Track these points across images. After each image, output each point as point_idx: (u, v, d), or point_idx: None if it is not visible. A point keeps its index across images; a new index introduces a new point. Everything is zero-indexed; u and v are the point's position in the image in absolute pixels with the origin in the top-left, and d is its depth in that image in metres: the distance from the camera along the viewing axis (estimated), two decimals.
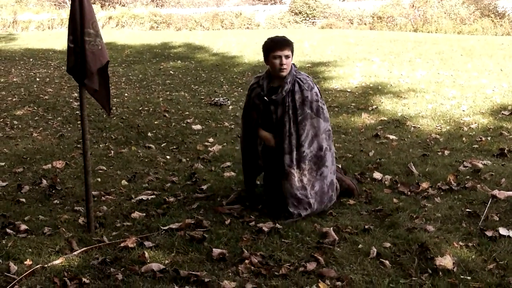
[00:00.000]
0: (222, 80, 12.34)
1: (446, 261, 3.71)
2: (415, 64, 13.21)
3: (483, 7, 23.69)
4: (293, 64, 4.82)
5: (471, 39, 17.46)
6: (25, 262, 3.90)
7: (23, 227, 4.52)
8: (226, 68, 13.95)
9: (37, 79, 12.80)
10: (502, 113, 8.32)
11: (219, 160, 6.48)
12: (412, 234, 4.24)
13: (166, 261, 3.91)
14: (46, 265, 3.85)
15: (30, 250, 4.11)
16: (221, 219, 4.65)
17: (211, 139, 7.41)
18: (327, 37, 19.00)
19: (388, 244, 4.08)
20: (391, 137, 7.26)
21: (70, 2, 4.26)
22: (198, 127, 8.12)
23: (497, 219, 4.49)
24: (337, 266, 3.81)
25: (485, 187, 5.23)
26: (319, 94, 4.81)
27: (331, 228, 4.34)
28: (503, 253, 3.90)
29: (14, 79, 12.65)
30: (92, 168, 5.45)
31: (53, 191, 5.48)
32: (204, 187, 5.51)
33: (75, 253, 4.04)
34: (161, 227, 4.47)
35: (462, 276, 3.60)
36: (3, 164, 6.39)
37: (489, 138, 7.03)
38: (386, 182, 5.50)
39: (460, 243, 4.07)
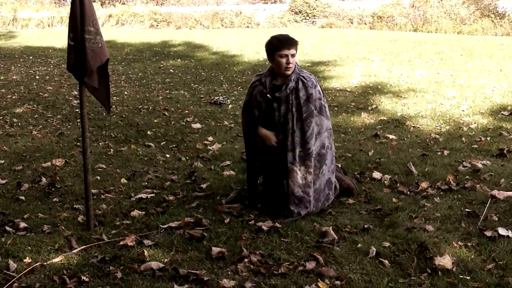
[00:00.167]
0: (222, 79, 12.33)
1: (445, 261, 3.71)
2: (415, 64, 13.21)
3: (483, 7, 23.67)
4: (296, 62, 4.82)
5: (471, 39, 17.46)
6: (24, 260, 3.90)
7: (23, 225, 4.52)
8: (226, 67, 13.95)
9: (37, 77, 12.79)
10: (502, 113, 8.32)
11: (218, 159, 6.48)
12: (411, 233, 4.24)
13: (166, 260, 3.91)
14: (45, 263, 3.85)
15: (29, 248, 4.12)
16: (221, 218, 4.65)
17: (210, 138, 7.41)
18: (327, 36, 19.00)
19: (387, 244, 4.09)
20: (391, 136, 7.26)
21: (70, 0, 4.26)
22: (198, 125, 8.12)
23: (496, 219, 4.50)
24: (336, 265, 3.81)
25: (484, 187, 5.23)
26: (321, 92, 4.82)
27: (331, 227, 4.35)
28: (502, 253, 3.91)
29: (14, 77, 12.64)
30: (92, 166, 5.45)
31: (53, 189, 5.48)
32: (204, 185, 5.51)
33: (75, 251, 4.05)
34: (161, 226, 4.47)
35: (461, 276, 3.60)
36: (2, 162, 6.39)
37: (488, 138, 7.03)
38: (385, 182, 5.51)
39: (459, 243, 4.08)
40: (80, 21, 4.12)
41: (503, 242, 4.07)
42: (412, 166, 5.84)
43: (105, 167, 6.22)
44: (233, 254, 3.99)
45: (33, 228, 4.51)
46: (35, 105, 9.63)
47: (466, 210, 4.69)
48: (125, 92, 10.82)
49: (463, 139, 7.05)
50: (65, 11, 26.03)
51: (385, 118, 8.35)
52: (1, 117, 8.71)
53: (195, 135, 7.65)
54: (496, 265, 3.74)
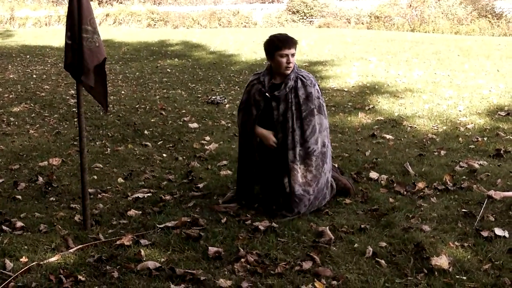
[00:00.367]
0: (219, 78, 12.33)
1: (442, 261, 3.72)
2: (412, 64, 13.22)
3: (481, 8, 23.70)
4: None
5: (468, 39, 17.48)
6: (20, 259, 3.90)
7: (19, 224, 4.52)
8: (223, 66, 13.94)
9: (34, 76, 12.78)
10: (499, 114, 8.33)
11: (215, 158, 6.48)
12: (408, 233, 4.25)
13: (162, 259, 3.91)
14: (41, 263, 3.85)
15: (26, 247, 4.11)
16: (217, 218, 4.65)
17: (207, 138, 7.41)
18: (325, 36, 19.01)
19: (384, 244, 4.09)
20: (388, 136, 7.26)
21: None
22: (195, 125, 8.11)
23: (493, 219, 4.50)
24: (333, 265, 3.82)
25: (481, 187, 5.24)
26: (320, 91, 4.84)
27: (327, 227, 4.35)
28: (498, 253, 3.91)
29: (11, 76, 12.62)
30: (89, 166, 5.45)
31: (49, 188, 5.47)
32: (201, 185, 5.51)
33: (71, 250, 4.05)
34: (157, 225, 4.47)
35: (457, 276, 3.61)
36: None
37: (485, 139, 7.04)
38: (382, 182, 5.51)
39: (456, 243, 4.09)
40: (78, 20, 4.12)
41: (499, 243, 4.07)
42: (409, 166, 5.85)
43: (102, 166, 6.21)
44: (229, 254, 3.99)
45: (30, 227, 4.51)
46: (32, 104, 9.62)
47: (463, 210, 4.70)
48: (122, 92, 10.81)
49: (460, 139, 7.06)
50: (63, 10, 25.99)
51: (382, 118, 8.36)
52: None
53: (192, 134, 7.65)
54: (492, 265, 3.74)
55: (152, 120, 8.43)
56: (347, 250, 4.04)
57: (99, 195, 5.30)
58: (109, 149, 6.87)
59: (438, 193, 5.20)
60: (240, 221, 4.58)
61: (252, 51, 15.74)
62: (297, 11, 27.09)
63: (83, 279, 3.62)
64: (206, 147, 6.92)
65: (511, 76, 11.26)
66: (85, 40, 4.15)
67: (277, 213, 4.68)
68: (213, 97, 9.98)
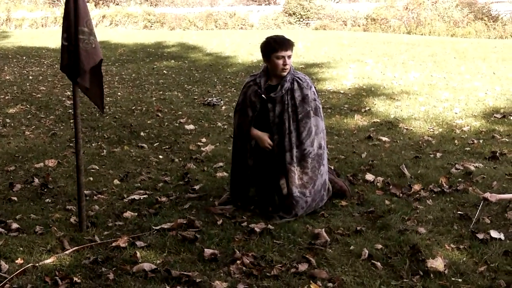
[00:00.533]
0: (215, 80, 12.33)
1: (438, 263, 3.72)
2: (408, 66, 13.24)
3: (477, 10, 23.76)
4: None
5: (464, 41, 17.52)
6: (16, 261, 3.88)
7: (15, 225, 4.51)
8: (219, 68, 13.95)
9: (30, 77, 12.76)
10: (495, 116, 8.35)
11: (211, 160, 6.47)
12: (403, 236, 4.25)
13: (158, 261, 3.90)
14: (37, 264, 3.84)
15: (21, 249, 4.10)
16: (213, 220, 4.65)
17: (204, 139, 7.41)
18: (321, 38, 19.03)
19: (379, 246, 4.09)
20: (384, 139, 7.27)
21: (64, 0, 4.25)
22: (191, 127, 8.11)
23: (489, 221, 4.51)
24: (328, 267, 3.81)
25: (476, 189, 5.25)
26: (316, 93, 4.84)
27: (323, 229, 4.35)
28: (494, 255, 3.92)
29: (7, 77, 12.61)
30: (85, 167, 5.44)
31: (45, 190, 5.46)
32: (197, 187, 5.50)
33: (67, 252, 4.04)
34: (153, 227, 4.46)
35: (453, 278, 3.61)
36: None
37: (481, 141, 7.05)
38: (378, 184, 5.51)
39: (452, 245, 4.09)
40: (74, 21, 4.12)
41: (495, 245, 4.08)
42: (405, 169, 5.85)
43: (98, 168, 6.20)
44: (225, 255, 3.99)
45: (25, 229, 4.50)
46: (28, 106, 9.61)
47: (459, 212, 4.71)
48: (119, 93, 10.81)
49: (456, 141, 7.07)
50: (59, 11, 26.01)
51: (378, 120, 8.37)
52: None
53: (188, 136, 7.65)
54: (488, 267, 3.75)
55: (148, 122, 8.43)
56: (343, 252, 4.04)
57: (95, 196, 5.29)
58: (105, 151, 6.86)
59: (434, 195, 5.20)
60: (236, 223, 4.57)
61: (248, 53, 15.75)
62: (294, 13, 27.14)
63: (78, 281, 3.61)
64: (202, 148, 6.92)
65: (507, 79, 11.29)
66: (82, 42, 4.15)
67: (273, 215, 4.68)
68: (210, 99, 9.98)
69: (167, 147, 7.11)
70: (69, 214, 4.83)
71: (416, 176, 5.71)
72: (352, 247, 4.09)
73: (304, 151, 4.67)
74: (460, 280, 3.59)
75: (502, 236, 4.19)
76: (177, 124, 8.31)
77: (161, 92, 10.96)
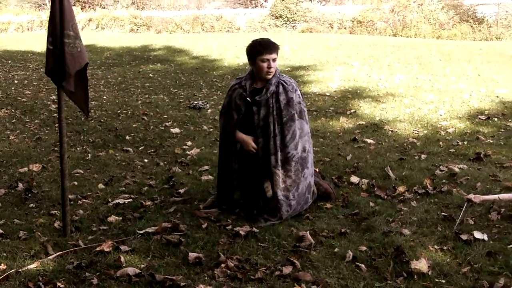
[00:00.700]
0: (201, 83, 12.32)
1: (421, 265, 3.73)
2: (394, 68, 13.30)
3: (462, 13, 23.90)
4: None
5: (450, 44, 17.63)
6: None
7: None
8: (205, 71, 13.94)
9: (15, 81, 12.70)
10: (479, 118, 8.40)
11: (197, 163, 6.46)
12: (388, 237, 4.26)
13: (142, 265, 3.89)
14: (20, 270, 3.81)
15: (4, 254, 4.08)
16: (198, 223, 4.64)
17: (189, 143, 7.40)
18: (307, 41, 19.07)
19: (364, 248, 4.10)
20: (369, 141, 7.29)
21: (50, 4, 4.24)
22: (177, 130, 8.10)
23: (472, 222, 4.53)
24: (313, 269, 3.82)
25: (460, 191, 5.27)
26: (301, 96, 4.84)
27: (308, 232, 4.35)
28: (477, 256, 3.94)
29: None
30: (69, 172, 5.42)
31: (29, 195, 5.43)
32: (182, 190, 5.50)
33: (50, 257, 4.02)
34: (138, 231, 4.45)
35: (436, 280, 3.63)
36: None
37: (465, 143, 7.09)
38: (363, 186, 5.53)
39: (435, 246, 4.11)
40: (60, 25, 4.11)
41: (478, 246, 4.10)
42: (390, 170, 5.87)
43: (82, 172, 6.18)
44: (210, 259, 3.98)
45: (9, 234, 4.47)
46: (13, 110, 9.56)
47: (443, 214, 4.73)
48: (104, 97, 10.78)
49: (441, 143, 7.10)
50: (45, 15, 25.93)
51: (363, 123, 8.39)
52: None
53: (174, 139, 7.64)
54: (471, 268, 3.76)
55: (133, 126, 8.41)
56: (327, 255, 4.05)
57: (79, 201, 5.27)
58: (90, 155, 6.84)
59: (418, 197, 5.22)
60: (220, 226, 4.57)
61: (235, 56, 15.76)
62: (280, 16, 27.17)
63: (62, 286, 3.59)
64: (187, 152, 6.91)
65: (491, 80, 11.37)
66: (67, 46, 4.13)
67: (258, 218, 4.68)
68: (195, 102, 9.97)
69: (152, 150, 7.09)
70: (53, 219, 4.80)
71: (400, 178, 5.73)
72: (336, 249, 4.10)
73: (288, 154, 4.67)
74: (443, 281, 3.61)
75: (485, 237, 4.21)
76: (162, 128, 8.29)
77: (147, 96, 10.94)
